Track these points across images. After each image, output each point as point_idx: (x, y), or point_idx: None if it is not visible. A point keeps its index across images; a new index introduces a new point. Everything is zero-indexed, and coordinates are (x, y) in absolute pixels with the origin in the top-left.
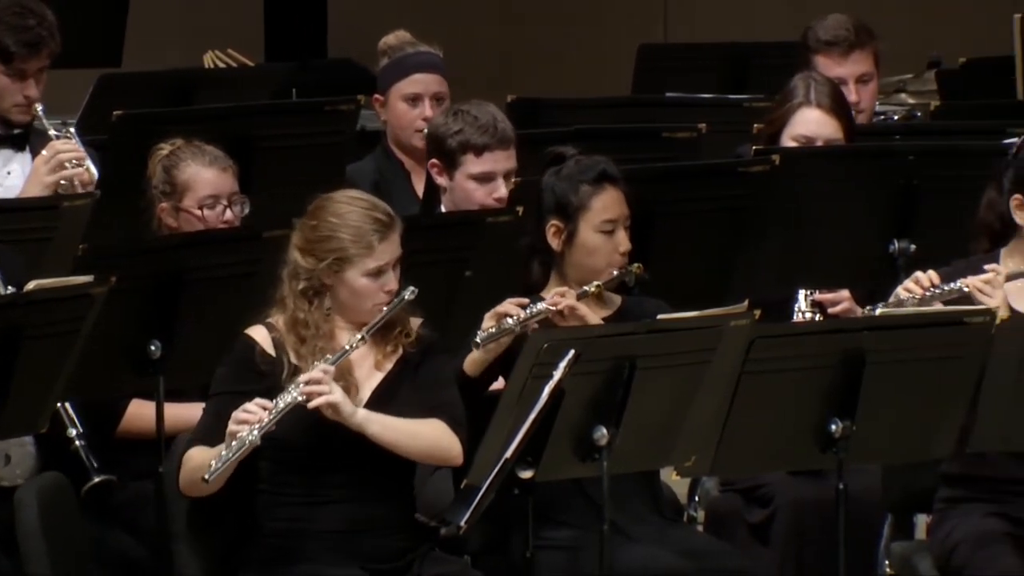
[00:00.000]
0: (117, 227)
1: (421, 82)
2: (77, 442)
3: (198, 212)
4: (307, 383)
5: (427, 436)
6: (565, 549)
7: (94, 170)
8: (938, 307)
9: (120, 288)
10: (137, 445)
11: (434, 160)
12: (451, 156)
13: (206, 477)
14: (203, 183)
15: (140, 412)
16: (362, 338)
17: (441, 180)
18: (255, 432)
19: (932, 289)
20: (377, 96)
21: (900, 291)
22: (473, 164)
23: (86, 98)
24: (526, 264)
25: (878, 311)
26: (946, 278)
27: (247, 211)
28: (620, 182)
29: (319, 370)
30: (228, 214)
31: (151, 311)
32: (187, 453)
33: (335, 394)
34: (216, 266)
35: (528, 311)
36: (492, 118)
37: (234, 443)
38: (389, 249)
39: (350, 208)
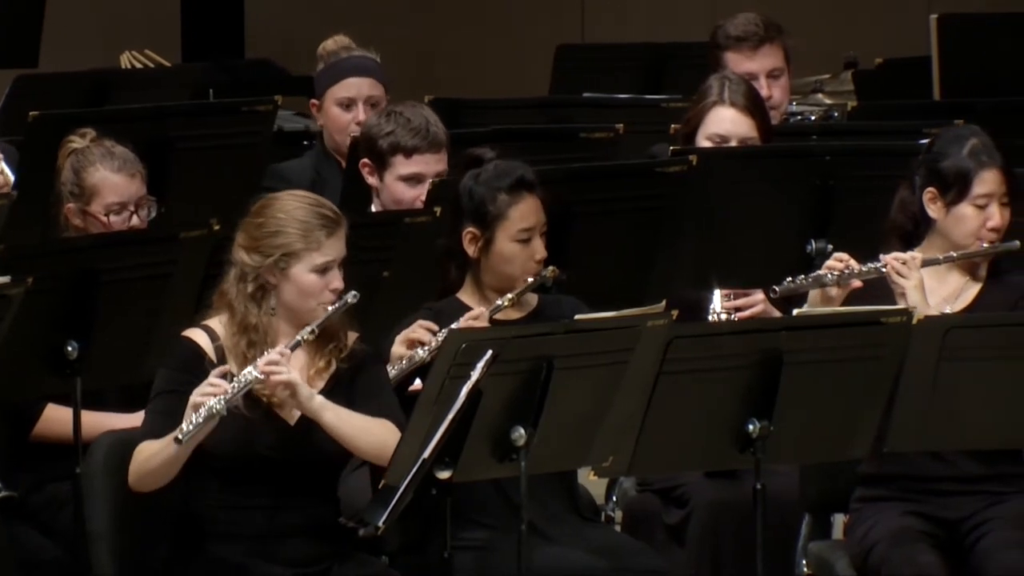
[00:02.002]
0: (33, 228)
1: (354, 86)
2: None
3: (104, 218)
4: (267, 363)
5: (378, 434)
6: (483, 549)
7: (9, 172)
8: (855, 307)
9: (37, 289)
10: (55, 448)
11: (365, 160)
12: (381, 157)
13: (179, 436)
14: (110, 189)
15: (55, 416)
16: (312, 330)
17: (372, 180)
18: (222, 401)
19: (850, 268)
20: (313, 101)
21: (821, 269)
22: (403, 166)
23: (2, 99)
24: (443, 265)
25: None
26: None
27: (154, 215)
28: (538, 189)
29: (276, 352)
30: (135, 220)
31: (68, 312)
32: (138, 447)
33: (293, 375)
34: (133, 267)
35: (439, 338)
36: (424, 121)
37: (203, 410)
38: (336, 246)
39: (297, 205)
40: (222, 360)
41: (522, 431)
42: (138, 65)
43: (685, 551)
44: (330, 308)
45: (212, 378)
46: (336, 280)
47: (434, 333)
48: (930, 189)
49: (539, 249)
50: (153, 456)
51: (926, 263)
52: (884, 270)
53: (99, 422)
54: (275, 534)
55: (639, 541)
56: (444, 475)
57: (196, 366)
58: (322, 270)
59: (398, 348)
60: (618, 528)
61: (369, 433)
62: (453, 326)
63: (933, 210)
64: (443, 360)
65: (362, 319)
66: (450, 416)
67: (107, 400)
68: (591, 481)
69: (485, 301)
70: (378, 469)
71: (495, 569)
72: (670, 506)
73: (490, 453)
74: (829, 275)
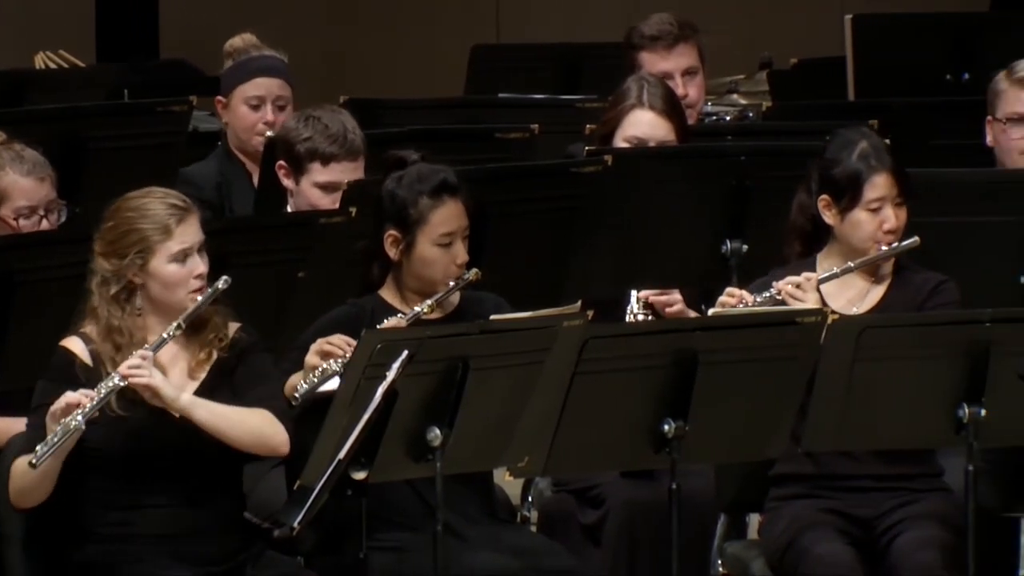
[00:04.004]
0: None
1: (263, 86)
2: None
3: (13, 222)
4: (128, 368)
5: (253, 423)
6: (399, 550)
7: None
8: (770, 307)
9: None
10: None
11: (281, 162)
12: (298, 161)
13: (33, 462)
14: (19, 193)
15: None
16: (179, 325)
17: (288, 183)
18: (79, 417)
19: (744, 302)
20: (219, 98)
21: (716, 307)
22: (319, 173)
23: None
24: (365, 264)
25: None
26: (762, 287)
27: (64, 218)
28: (460, 192)
29: (138, 355)
30: (44, 224)
31: None
32: (14, 464)
33: (155, 377)
34: (47, 268)
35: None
36: (342, 128)
37: (58, 428)
38: (190, 231)
39: (144, 200)
40: (97, 364)
41: (438, 431)
42: (52, 66)
43: (601, 551)
44: (199, 298)
45: (71, 393)
46: (199, 266)
47: (351, 345)
48: (824, 196)
49: (460, 253)
50: (24, 474)
51: (824, 280)
52: (779, 297)
53: (8, 427)
54: (179, 533)
55: (554, 542)
56: (360, 476)
57: (69, 374)
58: (181, 258)
59: (312, 358)
60: (534, 529)
61: (244, 424)
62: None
63: (829, 217)
64: (358, 360)
65: (278, 320)
66: (365, 417)
67: (17, 403)
68: (507, 481)
69: (406, 301)
70: (293, 469)
71: (412, 570)
72: (586, 506)
73: (406, 454)
74: (725, 310)
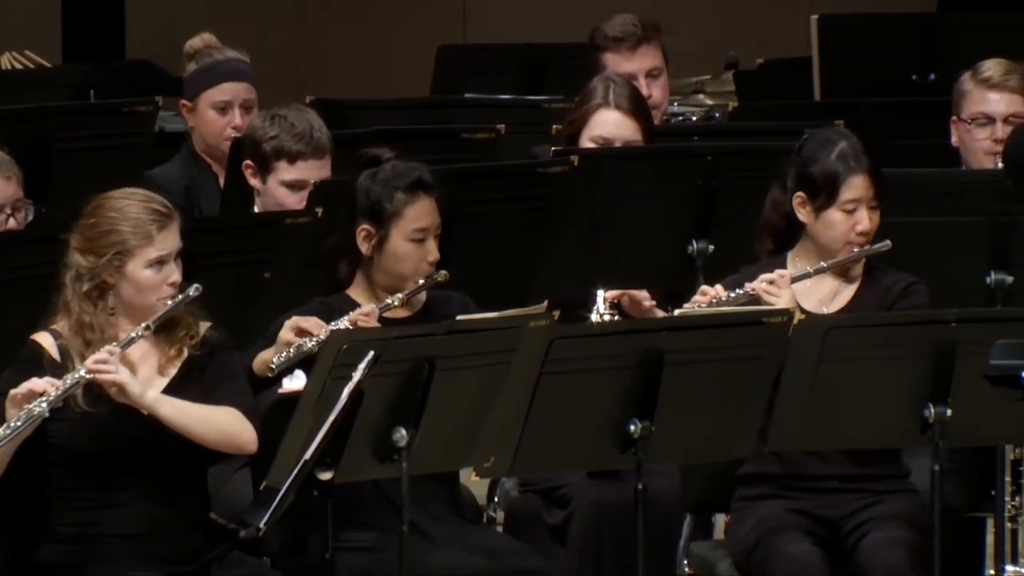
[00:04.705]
0: None
1: (231, 90)
2: None
3: None
4: (95, 363)
5: (220, 421)
6: (365, 551)
7: None
8: (736, 307)
9: None
10: None
11: (248, 162)
12: (265, 160)
13: None
14: None
15: None
16: (147, 327)
17: (254, 182)
18: (43, 404)
19: (717, 299)
20: (184, 102)
21: (688, 305)
22: (285, 171)
23: None
24: (333, 262)
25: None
26: (733, 285)
27: (31, 217)
28: (434, 190)
29: (105, 351)
30: (11, 222)
31: None
32: None
33: (122, 374)
34: (12, 268)
35: (328, 331)
36: (309, 126)
37: (22, 414)
38: (169, 239)
39: (127, 202)
40: (65, 359)
41: (404, 432)
42: (18, 66)
43: (567, 552)
44: (170, 302)
45: (37, 380)
46: (173, 274)
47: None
48: (799, 194)
49: (432, 250)
50: None
51: (796, 279)
52: (753, 294)
53: None
54: (145, 533)
55: (521, 542)
56: (326, 476)
57: (35, 367)
58: (157, 264)
59: (286, 333)
60: (500, 529)
61: (211, 422)
62: (344, 318)
63: (803, 214)
64: (325, 361)
65: (243, 320)
66: (332, 417)
67: None
68: (473, 482)
69: (375, 299)
70: (259, 470)
71: (380, 571)
72: (552, 507)
73: (372, 454)
74: (696, 308)
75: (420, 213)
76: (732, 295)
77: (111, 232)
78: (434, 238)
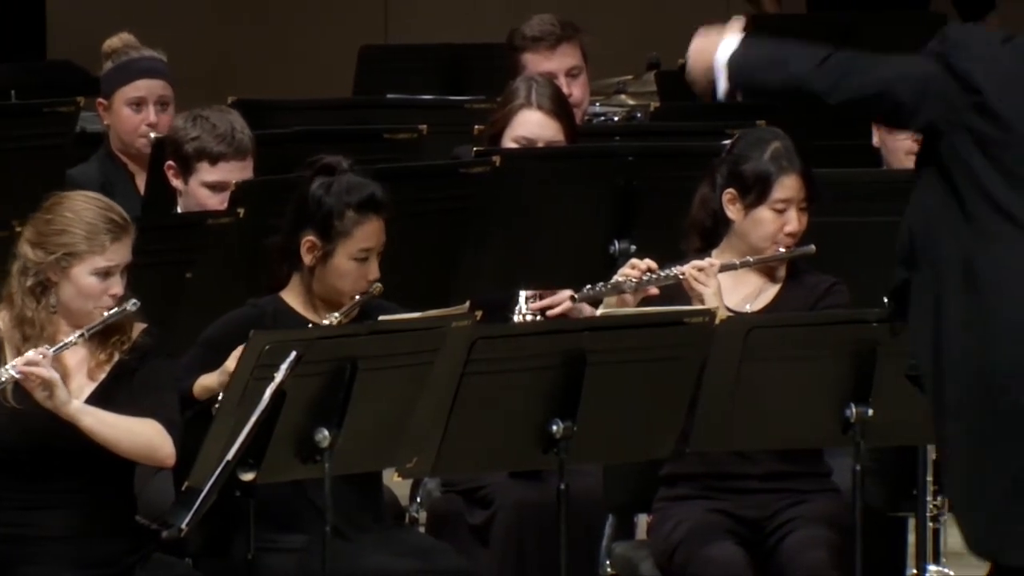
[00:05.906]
0: None
1: (145, 87)
2: None
3: None
4: (25, 363)
5: (141, 434)
6: (286, 552)
7: None
8: (658, 308)
9: None
10: None
11: (170, 162)
12: (186, 161)
13: None
14: None
15: None
16: (82, 334)
17: (176, 183)
18: None
19: (648, 274)
20: (100, 100)
21: (617, 276)
22: (207, 172)
23: None
24: (273, 262)
25: (596, 310)
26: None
27: None
28: (385, 210)
29: (38, 352)
30: None
31: None
32: None
33: (52, 378)
34: None
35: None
36: (230, 127)
37: None
38: (120, 251)
39: (87, 206)
40: (1, 350)
41: (326, 432)
42: None
43: (489, 552)
44: (106, 313)
45: None
46: (116, 286)
47: None
48: (730, 191)
49: (373, 270)
50: None
51: (724, 268)
52: (682, 277)
53: None
54: (72, 535)
55: (443, 542)
56: (248, 477)
57: None
58: (103, 274)
59: (232, 363)
60: (422, 529)
61: (132, 434)
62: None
63: (732, 211)
64: (247, 361)
65: (166, 321)
66: (254, 418)
67: None
68: (395, 482)
69: (310, 306)
70: (182, 471)
71: (303, 572)
72: (474, 507)
73: (294, 454)
74: (628, 282)
75: (368, 233)
76: (662, 275)
77: (64, 232)
78: (376, 256)
